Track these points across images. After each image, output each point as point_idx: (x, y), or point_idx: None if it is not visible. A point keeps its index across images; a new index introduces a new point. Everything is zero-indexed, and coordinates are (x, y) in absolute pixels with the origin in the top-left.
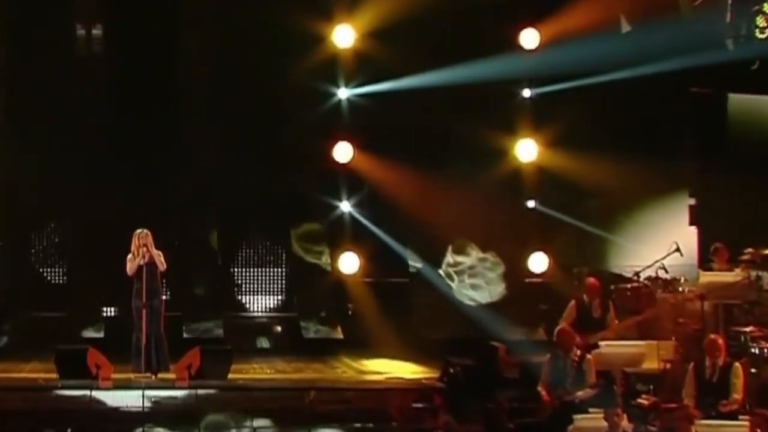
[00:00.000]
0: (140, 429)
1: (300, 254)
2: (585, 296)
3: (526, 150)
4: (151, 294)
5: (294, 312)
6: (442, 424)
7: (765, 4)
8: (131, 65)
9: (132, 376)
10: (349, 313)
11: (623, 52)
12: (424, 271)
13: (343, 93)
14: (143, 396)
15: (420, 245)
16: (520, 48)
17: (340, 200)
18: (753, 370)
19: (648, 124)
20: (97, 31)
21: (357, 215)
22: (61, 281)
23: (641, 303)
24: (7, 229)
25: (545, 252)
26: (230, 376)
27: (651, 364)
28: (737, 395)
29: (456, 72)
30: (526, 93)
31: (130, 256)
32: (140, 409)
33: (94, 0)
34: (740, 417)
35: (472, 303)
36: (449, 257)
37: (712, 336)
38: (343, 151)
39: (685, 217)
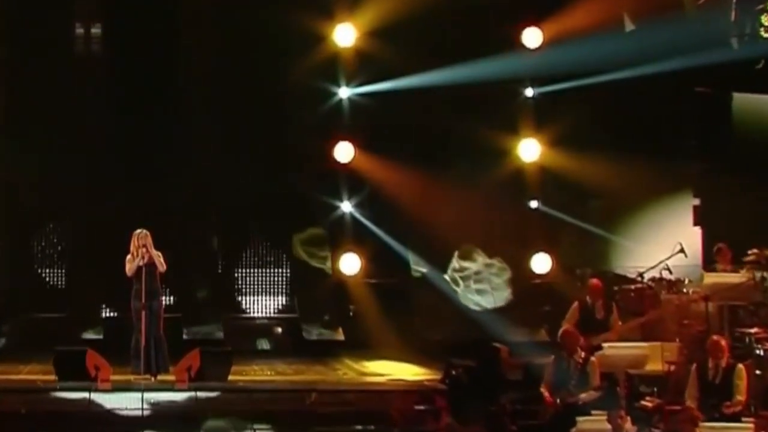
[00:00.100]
0: None
1: (304, 259)
2: (588, 297)
3: (529, 150)
4: (151, 295)
5: (295, 313)
6: (444, 427)
7: None
8: (131, 65)
9: (131, 377)
10: (350, 314)
11: (626, 52)
12: (427, 273)
13: (344, 92)
14: (143, 398)
15: (422, 246)
16: (523, 47)
17: (341, 200)
18: (758, 372)
19: (652, 123)
20: (96, 30)
21: (358, 216)
22: (60, 282)
23: (645, 304)
24: (6, 229)
25: (548, 253)
26: (230, 377)
27: (655, 366)
28: (740, 397)
29: (458, 71)
30: (529, 92)
31: (129, 256)
32: (139, 412)
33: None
34: (744, 419)
35: (477, 308)
36: (455, 263)
37: (715, 337)
38: (344, 151)
39: (689, 217)
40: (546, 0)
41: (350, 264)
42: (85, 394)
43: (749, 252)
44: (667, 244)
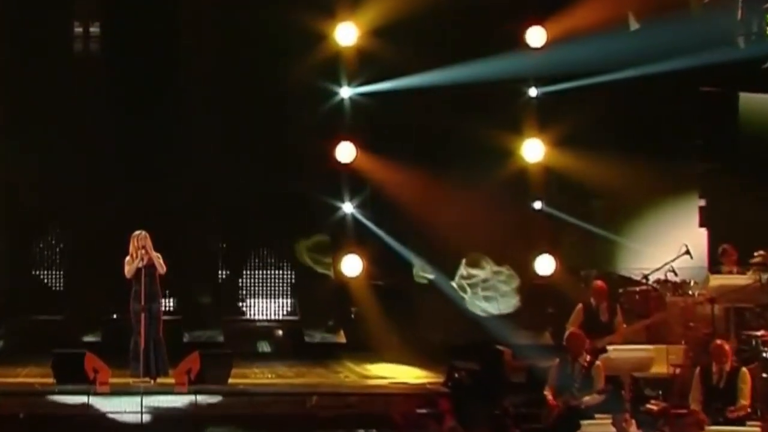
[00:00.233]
0: None
1: (310, 265)
2: (592, 299)
3: (532, 150)
4: (150, 297)
5: (296, 315)
6: (446, 430)
7: None
8: (131, 65)
9: (130, 380)
10: (352, 316)
11: (631, 51)
12: (434, 280)
13: (346, 92)
14: (142, 401)
15: (423, 247)
16: (526, 46)
17: (342, 201)
18: (764, 375)
19: (657, 123)
20: (95, 30)
21: (360, 216)
22: (59, 283)
23: (650, 306)
24: (5, 230)
25: (552, 254)
26: (231, 380)
27: (660, 369)
28: (744, 401)
29: (461, 71)
30: (533, 92)
31: (128, 258)
32: (138, 415)
33: None
34: (750, 422)
35: (484, 314)
36: (463, 270)
37: (719, 341)
38: (345, 151)
39: (695, 218)
40: None
41: (352, 265)
42: (84, 398)
43: (756, 253)
44: (672, 246)
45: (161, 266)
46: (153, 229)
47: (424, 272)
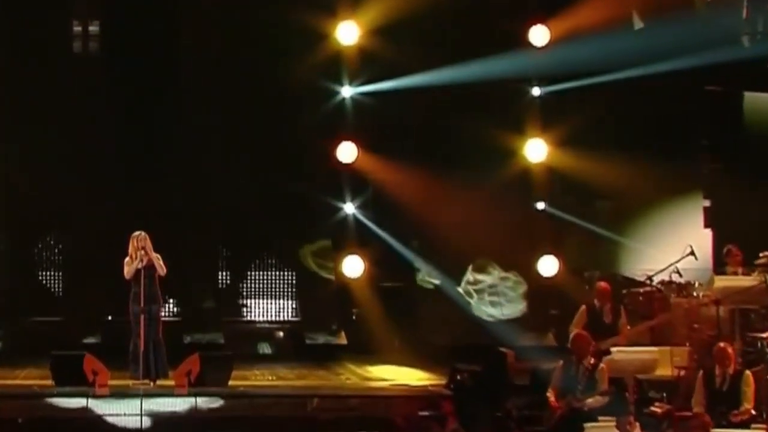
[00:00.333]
0: None
1: (314, 270)
2: (596, 301)
3: (536, 150)
4: (150, 299)
5: (297, 317)
6: None
7: None
8: (130, 64)
9: (130, 382)
10: (354, 318)
11: (635, 50)
12: (440, 285)
13: (347, 91)
14: (141, 403)
15: (426, 248)
16: (530, 45)
17: (344, 201)
18: None
19: (661, 123)
20: (94, 29)
21: (361, 217)
22: (58, 285)
23: (654, 308)
24: (5, 230)
25: (555, 255)
26: (231, 383)
27: (664, 371)
28: (748, 404)
29: (463, 70)
30: (536, 91)
31: (127, 259)
32: (138, 417)
33: None
34: (755, 425)
35: (490, 319)
36: (469, 275)
37: (722, 344)
38: (346, 152)
39: (700, 219)
40: None
41: (353, 266)
42: (83, 400)
43: (761, 254)
44: (677, 247)
45: (161, 267)
46: (153, 229)
47: (430, 277)
